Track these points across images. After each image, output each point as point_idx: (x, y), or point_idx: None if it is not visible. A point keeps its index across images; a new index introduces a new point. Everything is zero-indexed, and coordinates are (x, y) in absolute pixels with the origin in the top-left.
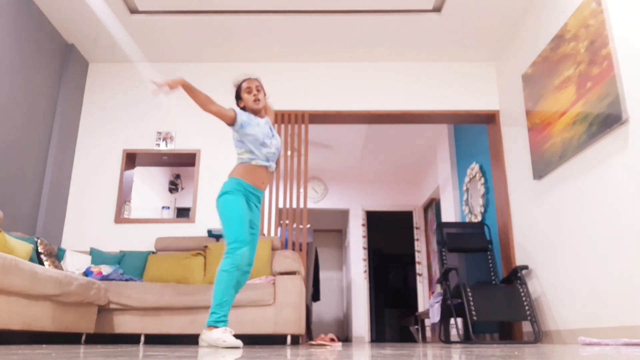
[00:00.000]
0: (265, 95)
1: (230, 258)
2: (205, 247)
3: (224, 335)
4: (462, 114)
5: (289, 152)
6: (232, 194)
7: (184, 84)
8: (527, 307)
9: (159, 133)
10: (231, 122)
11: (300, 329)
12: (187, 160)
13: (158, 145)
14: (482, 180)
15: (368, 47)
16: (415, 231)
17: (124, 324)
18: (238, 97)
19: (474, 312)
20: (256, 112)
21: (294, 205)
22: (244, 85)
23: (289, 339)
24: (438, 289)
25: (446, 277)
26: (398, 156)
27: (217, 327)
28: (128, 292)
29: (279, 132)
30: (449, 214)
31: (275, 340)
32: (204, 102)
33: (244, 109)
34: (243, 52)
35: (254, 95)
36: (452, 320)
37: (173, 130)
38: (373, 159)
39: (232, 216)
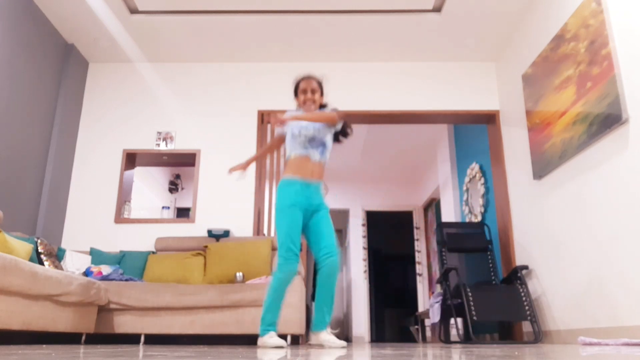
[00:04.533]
0: (322, 95)
1: None
2: (205, 247)
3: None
4: (462, 114)
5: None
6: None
7: (247, 165)
8: (527, 307)
9: (159, 133)
10: (284, 140)
11: (300, 329)
12: (187, 160)
13: (158, 145)
14: (482, 180)
15: (368, 47)
16: (415, 231)
17: (124, 324)
18: (295, 94)
19: (474, 312)
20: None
21: None
22: (301, 85)
23: (289, 339)
24: (438, 289)
25: (446, 277)
26: (398, 156)
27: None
28: (128, 292)
29: None
30: (449, 214)
31: None
32: (267, 153)
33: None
34: (243, 52)
35: (307, 98)
36: (452, 320)
37: (173, 130)
38: (373, 159)
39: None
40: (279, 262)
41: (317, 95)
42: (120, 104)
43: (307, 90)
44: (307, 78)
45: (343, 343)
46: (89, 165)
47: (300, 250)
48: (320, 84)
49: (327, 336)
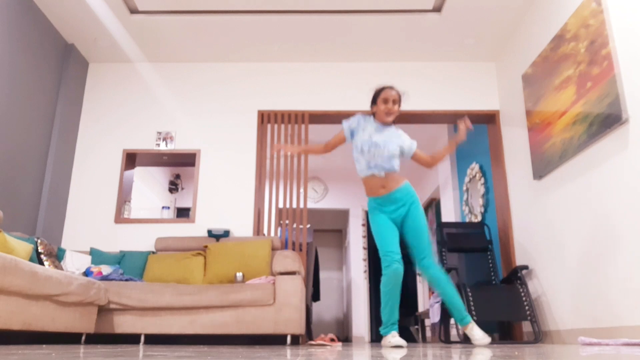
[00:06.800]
0: (400, 107)
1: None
2: (205, 247)
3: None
4: (462, 114)
5: (289, 153)
6: (369, 212)
7: (300, 151)
8: (527, 307)
9: (159, 133)
10: (345, 140)
11: (300, 329)
12: (187, 160)
13: (158, 145)
14: (482, 180)
15: (368, 47)
16: None
17: (124, 324)
18: (374, 102)
19: (474, 312)
20: (383, 122)
21: (294, 205)
22: (382, 94)
23: (289, 339)
24: None
25: None
26: None
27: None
28: (128, 292)
29: (278, 132)
30: (449, 214)
31: (275, 340)
32: (322, 152)
33: (374, 114)
34: (243, 52)
35: (388, 108)
36: (452, 320)
37: (173, 130)
38: None
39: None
40: (382, 266)
41: (396, 107)
42: (120, 104)
43: (389, 100)
44: (390, 88)
45: (487, 339)
46: (89, 165)
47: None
48: (400, 96)
49: (473, 331)
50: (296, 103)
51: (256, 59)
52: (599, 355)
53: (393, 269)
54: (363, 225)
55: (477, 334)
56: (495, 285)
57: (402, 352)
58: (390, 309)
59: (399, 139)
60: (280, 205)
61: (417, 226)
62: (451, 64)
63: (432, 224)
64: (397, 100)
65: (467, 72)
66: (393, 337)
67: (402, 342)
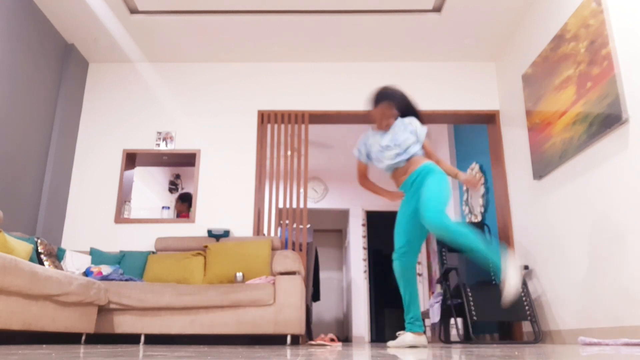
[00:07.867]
0: (392, 107)
1: None
2: (205, 247)
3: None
4: (462, 114)
5: (289, 152)
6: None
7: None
8: (527, 307)
9: (159, 133)
10: (367, 165)
11: (300, 329)
12: (187, 160)
13: (158, 145)
14: (482, 180)
15: (368, 47)
16: None
17: (124, 324)
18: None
19: (474, 312)
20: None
21: (294, 205)
22: (373, 111)
23: (289, 339)
24: (438, 289)
25: (446, 277)
26: None
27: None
28: (128, 292)
29: (278, 132)
30: (449, 214)
31: (275, 340)
32: (366, 185)
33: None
34: (243, 52)
35: (380, 126)
36: (452, 320)
37: (173, 130)
38: None
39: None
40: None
41: (384, 121)
42: (120, 104)
43: (376, 120)
44: (373, 105)
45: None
46: (89, 165)
47: (410, 246)
48: (388, 103)
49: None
50: (296, 103)
51: (256, 59)
52: (599, 355)
53: (396, 264)
54: (363, 225)
55: (513, 277)
56: (496, 285)
57: (415, 352)
58: (408, 302)
59: (409, 126)
60: (280, 205)
61: (425, 187)
62: (451, 64)
63: None
64: (380, 114)
65: (467, 72)
66: (409, 336)
67: (417, 342)
